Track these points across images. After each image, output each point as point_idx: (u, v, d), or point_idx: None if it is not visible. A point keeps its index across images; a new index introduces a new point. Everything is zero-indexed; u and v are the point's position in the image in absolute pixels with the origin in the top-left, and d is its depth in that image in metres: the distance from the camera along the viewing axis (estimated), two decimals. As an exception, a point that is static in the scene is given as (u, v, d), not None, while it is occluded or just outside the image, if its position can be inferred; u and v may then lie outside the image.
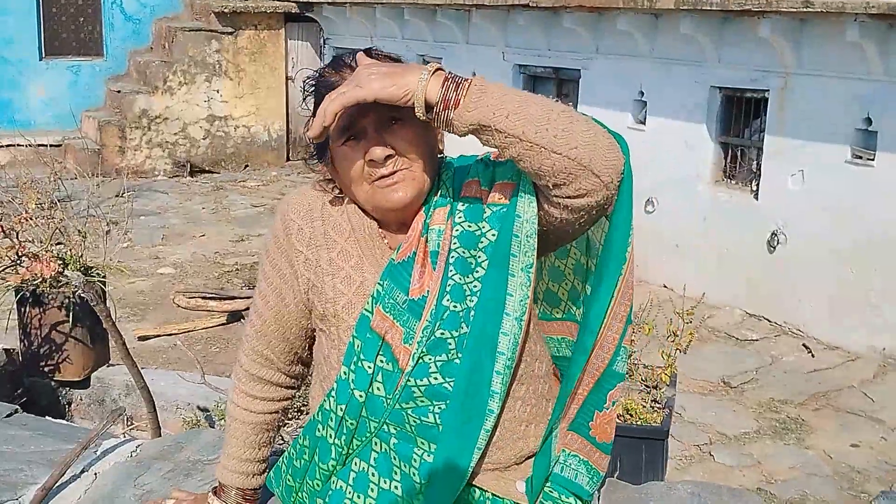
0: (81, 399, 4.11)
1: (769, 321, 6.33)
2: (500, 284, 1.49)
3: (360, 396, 1.53)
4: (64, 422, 2.80)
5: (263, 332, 1.68)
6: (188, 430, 2.98)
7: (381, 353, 1.52)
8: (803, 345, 5.94)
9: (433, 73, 1.38)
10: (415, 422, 1.52)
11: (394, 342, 1.52)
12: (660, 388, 3.57)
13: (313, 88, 1.55)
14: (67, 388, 4.08)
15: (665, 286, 6.84)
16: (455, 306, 1.51)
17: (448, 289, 1.51)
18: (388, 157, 1.48)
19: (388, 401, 1.52)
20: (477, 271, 1.52)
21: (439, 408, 1.50)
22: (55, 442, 2.26)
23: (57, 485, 2.00)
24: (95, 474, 2.10)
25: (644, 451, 3.29)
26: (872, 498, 1.86)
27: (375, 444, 1.56)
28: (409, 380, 1.50)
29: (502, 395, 1.51)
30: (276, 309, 1.65)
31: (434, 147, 1.56)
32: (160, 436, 3.07)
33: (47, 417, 2.59)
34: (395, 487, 1.54)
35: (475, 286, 1.51)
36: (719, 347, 5.98)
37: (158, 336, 5.92)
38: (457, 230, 1.52)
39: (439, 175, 1.58)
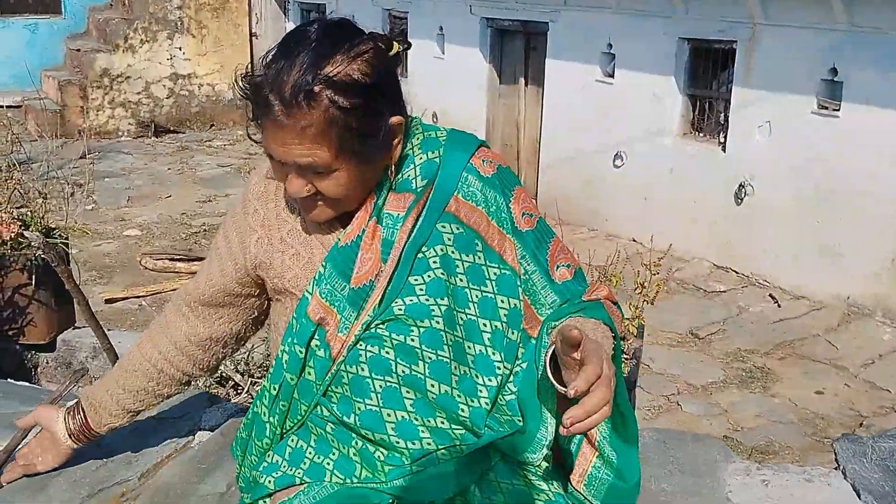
0: (48, 362, 4.05)
1: (736, 272, 6.39)
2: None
3: (292, 379, 1.50)
4: (27, 384, 2.76)
5: (197, 287, 1.68)
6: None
7: (315, 337, 1.48)
8: (769, 295, 6.01)
9: None
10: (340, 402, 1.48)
11: (329, 329, 1.47)
12: (627, 340, 3.58)
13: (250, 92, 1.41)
14: (33, 352, 4.02)
15: (634, 240, 6.87)
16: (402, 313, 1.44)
17: (401, 291, 1.44)
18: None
19: (318, 386, 1.48)
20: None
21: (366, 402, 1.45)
22: (18, 404, 2.23)
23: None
24: (58, 435, 2.06)
25: (612, 402, 3.31)
26: (832, 441, 1.90)
27: (312, 429, 1.52)
28: (340, 367, 1.46)
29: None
30: (213, 277, 1.65)
31: (378, 175, 1.47)
32: (127, 397, 3.03)
33: (9, 380, 2.55)
34: (328, 464, 1.49)
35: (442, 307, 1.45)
36: (687, 299, 6.03)
37: (126, 298, 5.87)
38: (441, 250, 1.45)
39: (405, 142, 1.48)
